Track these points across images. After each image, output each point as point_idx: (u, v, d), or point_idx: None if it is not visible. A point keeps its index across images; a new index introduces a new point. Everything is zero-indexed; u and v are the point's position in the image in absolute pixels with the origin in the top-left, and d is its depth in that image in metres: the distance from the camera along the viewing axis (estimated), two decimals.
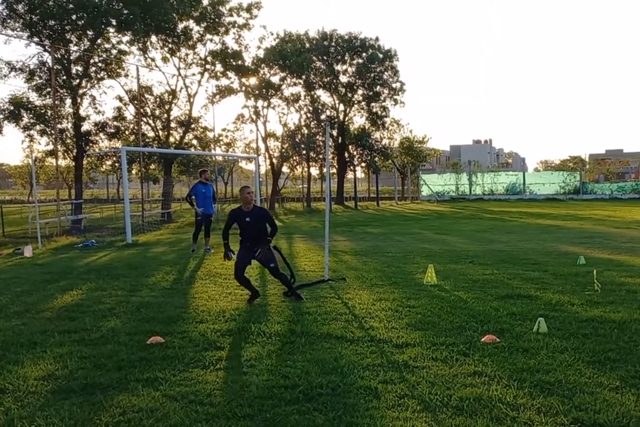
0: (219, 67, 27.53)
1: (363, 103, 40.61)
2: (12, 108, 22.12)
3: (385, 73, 39.83)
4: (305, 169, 38.81)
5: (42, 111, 22.69)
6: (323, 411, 4.04)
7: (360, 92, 40.23)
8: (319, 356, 5.21)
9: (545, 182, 42.85)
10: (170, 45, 25.64)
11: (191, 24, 25.66)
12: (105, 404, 4.22)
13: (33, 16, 22.07)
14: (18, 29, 22.61)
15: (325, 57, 38.32)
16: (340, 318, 6.60)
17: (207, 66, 27.22)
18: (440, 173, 49.39)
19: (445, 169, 59.15)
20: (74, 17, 22.50)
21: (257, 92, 31.71)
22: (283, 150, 35.94)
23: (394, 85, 40.20)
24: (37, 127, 22.99)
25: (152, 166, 30.48)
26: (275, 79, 33.00)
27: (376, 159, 42.41)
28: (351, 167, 42.88)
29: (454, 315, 6.64)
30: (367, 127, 40.92)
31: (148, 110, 26.76)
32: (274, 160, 35.91)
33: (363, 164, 43.78)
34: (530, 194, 42.69)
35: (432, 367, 4.87)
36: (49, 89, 22.10)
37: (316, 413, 4.01)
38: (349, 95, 39.81)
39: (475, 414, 3.94)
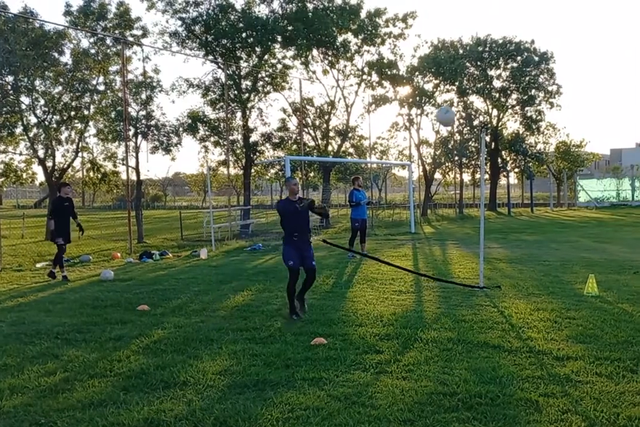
0: (374, 77, 27.96)
1: (517, 107, 39.27)
2: (190, 121, 24.07)
3: (541, 76, 38.25)
4: (457, 175, 38.19)
5: (216, 124, 24.53)
6: (483, 420, 4.02)
7: (514, 96, 38.95)
8: (476, 365, 5.18)
9: None
10: (330, 58, 26.57)
11: (350, 36, 26.39)
12: (276, 400, 4.44)
13: (208, 36, 23.99)
14: (195, 49, 24.75)
15: (478, 63, 37.54)
16: (496, 327, 6.52)
17: (364, 77, 27.79)
18: (600, 178, 46.12)
19: (604, 174, 54.95)
20: (244, 35, 24.09)
21: (410, 100, 31.83)
22: (436, 156, 35.71)
23: (549, 88, 38.53)
24: (212, 139, 24.90)
25: (312, 174, 31.67)
26: (428, 87, 32.95)
27: (530, 164, 40.65)
28: (504, 173, 41.47)
29: (618, 329, 6.31)
30: (521, 132, 39.45)
31: (309, 121, 27.87)
32: (427, 167, 35.77)
33: (516, 170, 42.16)
34: None
35: (596, 383, 4.69)
36: (222, 103, 23.93)
37: (476, 422, 3.99)
38: (503, 100, 38.66)
39: None
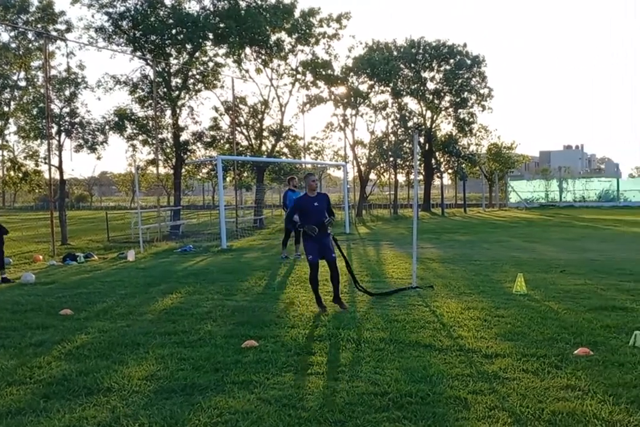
0: (309, 77, 28.02)
1: (450, 109, 40.29)
2: (117, 119, 23.39)
3: (473, 79, 39.48)
4: (392, 176, 38.77)
5: (144, 122, 23.96)
6: (413, 419, 4.03)
7: (447, 98, 39.96)
8: (407, 364, 5.20)
9: None
10: (263, 57, 26.37)
11: (283, 35, 26.28)
12: (204, 404, 4.36)
13: (136, 32, 23.36)
14: (122, 44, 24.03)
15: (412, 65, 38.30)
16: (428, 326, 6.58)
17: (298, 76, 27.75)
18: (529, 179, 48.05)
19: (534, 176, 57.28)
20: (173, 31, 23.60)
21: (345, 100, 32.05)
22: (370, 157, 36.10)
23: (481, 91, 39.83)
24: (140, 137, 24.27)
25: (245, 174, 31.38)
26: (363, 87, 33.29)
27: (463, 165, 41.78)
28: (438, 174, 42.41)
29: (544, 326, 6.48)
30: (454, 134, 40.49)
31: (242, 120, 27.54)
32: (362, 168, 36.12)
33: (450, 171, 43.23)
34: (625, 201, 40.68)
35: (522, 379, 4.78)
36: (150, 101, 23.37)
37: (406, 421, 4.00)
38: (436, 102, 39.60)
39: None
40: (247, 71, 26.97)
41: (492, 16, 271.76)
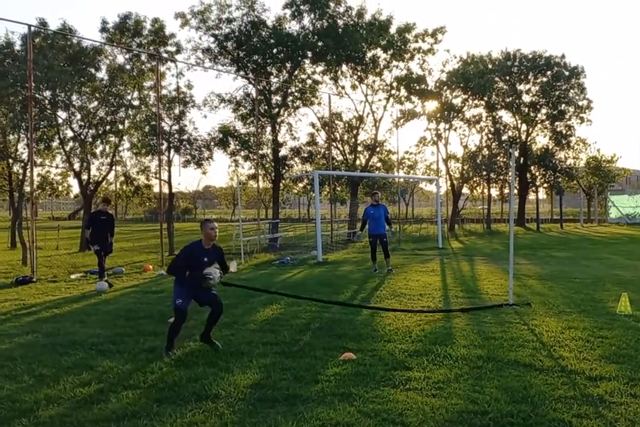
0: (403, 92, 28.00)
1: (546, 122, 38.86)
2: (221, 136, 24.37)
3: (571, 91, 37.89)
4: (485, 190, 37.92)
5: (246, 138, 24.77)
6: None
7: (543, 111, 38.60)
8: (507, 384, 5.13)
9: None
10: (359, 73, 26.70)
11: (379, 52, 26.53)
12: (306, 415, 4.42)
13: (240, 52, 24.47)
14: (227, 64, 25.19)
15: (507, 77, 37.37)
16: (527, 345, 6.46)
17: (392, 91, 27.84)
18: (631, 194, 45.31)
19: (636, 190, 54.00)
20: (274, 51, 24.52)
21: (438, 114, 31.81)
22: (463, 171, 35.53)
23: (580, 103, 38.14)
24: (242, 153, 25.10)
25: (340, 188, 31.74)
26: (456, 101, 32.87)
27: (560, 179, 40.12)
28: (533, 188, 41.00)
29: None
30: (550, 147, 38.96)
31: (337, 136, 27.92)
32: (455, 182, 35.59)
33: (545, 185, 41.65)
34: None
35: (630, 404, 4.61)
36: (252, 118, 24.20)
37: None
38: (532, 114, 38.33)
39: None
40: (343, 88, 27.48)
41: (592, 26, 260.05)
